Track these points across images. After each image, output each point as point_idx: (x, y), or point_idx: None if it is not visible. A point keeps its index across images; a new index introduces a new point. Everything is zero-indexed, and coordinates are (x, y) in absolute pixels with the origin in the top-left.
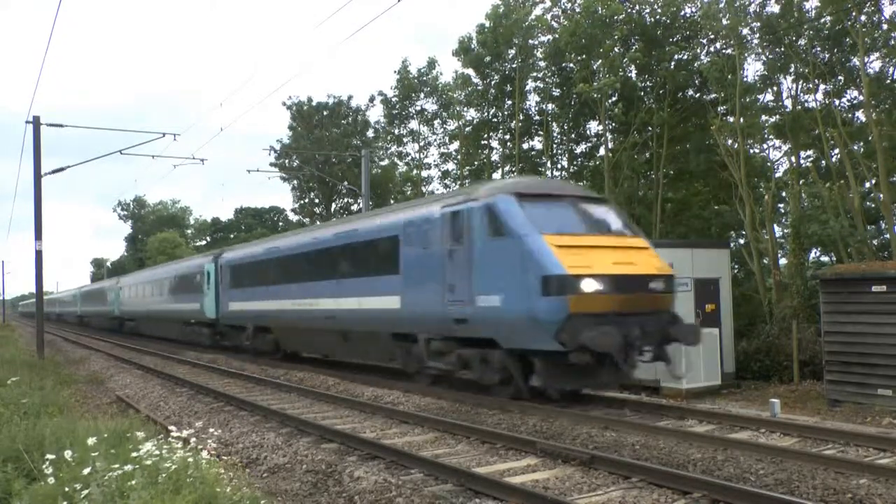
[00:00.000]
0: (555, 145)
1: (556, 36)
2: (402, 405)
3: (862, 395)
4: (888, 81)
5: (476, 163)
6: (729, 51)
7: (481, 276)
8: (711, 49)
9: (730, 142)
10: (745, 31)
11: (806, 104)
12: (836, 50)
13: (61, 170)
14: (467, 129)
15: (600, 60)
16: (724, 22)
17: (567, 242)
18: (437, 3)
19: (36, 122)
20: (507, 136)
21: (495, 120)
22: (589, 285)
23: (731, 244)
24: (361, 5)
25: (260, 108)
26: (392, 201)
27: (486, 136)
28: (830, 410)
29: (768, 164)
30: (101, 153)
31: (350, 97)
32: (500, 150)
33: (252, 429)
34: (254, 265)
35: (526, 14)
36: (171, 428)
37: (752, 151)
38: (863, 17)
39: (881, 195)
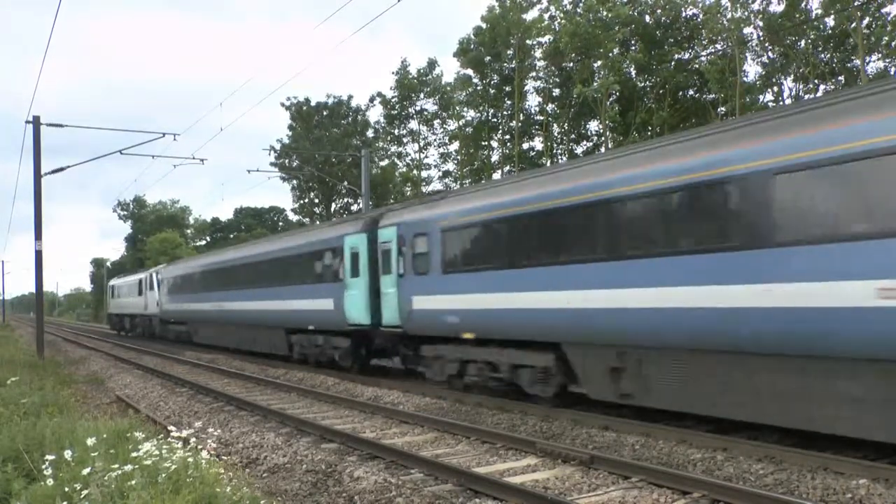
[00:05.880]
0: (555, 145)
1: (555, 36)
2: (402, 405)
3: None
4: None
5: (476, 163)
6: (729, 51)
7: None
8: (712, 49)
9: None
10: (747, 30)
11: None
12: (837, 50)
13: (61, 170)
14: (467, 129)
15: (600, 61)
16: (726, 21)
17: None
18: (436, 4)
19: (36, 122)
20: (507, 137)
21: (495, 120)
22: None
23: None
24: (361, 5)
25: (260, 108)
26: (392, 201)
27: (485, 136)
28: None
29: None
30: (104, 154)
31: (350, 97)
32: (500, 150)
33: (252, 429)
34: None
35: (521, 12)
36: (171, 428)
37: None
38: (866, 19)
39: None
